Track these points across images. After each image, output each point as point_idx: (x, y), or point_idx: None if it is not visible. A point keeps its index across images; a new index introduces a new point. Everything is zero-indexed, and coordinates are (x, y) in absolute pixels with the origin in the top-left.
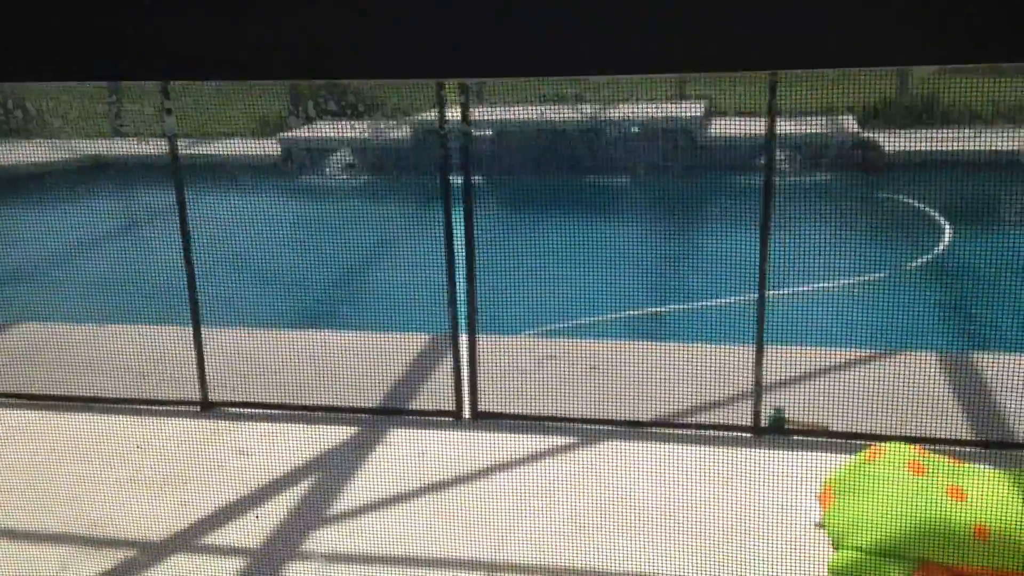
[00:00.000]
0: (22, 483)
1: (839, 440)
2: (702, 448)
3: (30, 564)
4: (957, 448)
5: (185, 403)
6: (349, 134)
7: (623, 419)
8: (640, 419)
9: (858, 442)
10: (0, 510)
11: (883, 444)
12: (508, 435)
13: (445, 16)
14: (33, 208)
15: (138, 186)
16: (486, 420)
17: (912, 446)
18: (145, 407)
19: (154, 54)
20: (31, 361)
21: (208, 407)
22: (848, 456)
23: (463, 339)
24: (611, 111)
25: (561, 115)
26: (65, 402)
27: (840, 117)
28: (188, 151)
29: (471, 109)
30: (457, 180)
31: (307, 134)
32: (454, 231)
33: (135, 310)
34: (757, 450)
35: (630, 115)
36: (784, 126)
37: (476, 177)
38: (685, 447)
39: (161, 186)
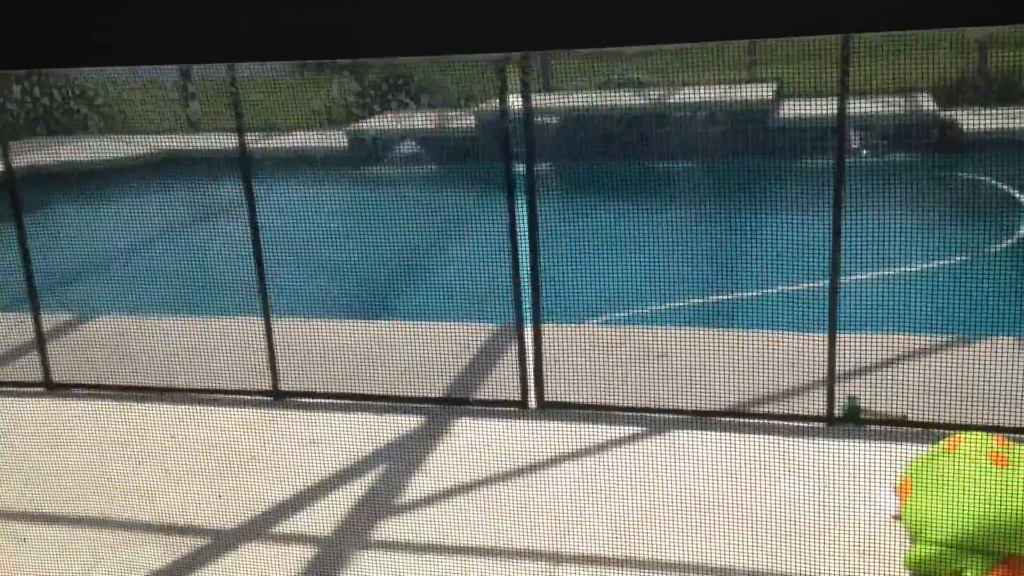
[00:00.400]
0: (98, 471)
1: (916, 429)
2: (774, 438)
3: (107, 550)
4: None
5: (257, 392)
6: (415, 124)
7: (691, 408)
8: (709, 408)
9: (937, 431)
10: (79, 498)
11: (962, 434)
12: (574, 424)
13: None
14: (108, 203)
15: (209, 179)
16: (552, 410)
17: (993, 436)
18: (218, 396)
19: (195, 35)
20: (107, 353)
21: (279, 396)
22: (926, 446)
23: (528, 328)
24: (678, 94)
25: (626, 100)
26: (140, 392)
27: (917, 95)
28: (258, 144)
29: (534, 96)
30: (521, 168)
31: (374, 125)
32: (518, 220)
33: (207, 302)
34: (831, 440)
35: (697, 98)
36: (857, 106)
37: (540, 165)
38: (756, 437)
39: (231, 179)
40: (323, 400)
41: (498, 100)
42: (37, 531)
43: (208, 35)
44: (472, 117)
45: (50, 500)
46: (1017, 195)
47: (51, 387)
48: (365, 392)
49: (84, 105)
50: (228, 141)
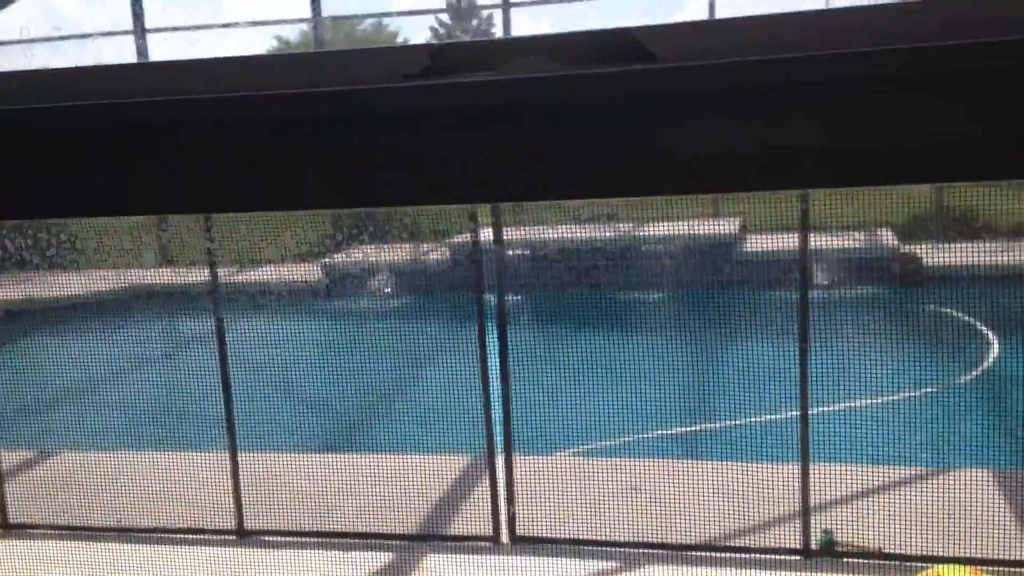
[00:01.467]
0: None
1: (893, 563)
2: (750, 572)
3: None
4: (1015, 570)
5: (221, 532)
6: (389, 257)
7: (666, 542)
8: (685, 542)
9: (913, 564)
10: None
11: (939, 567)
12: (548, 559)
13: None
14: (74, 338)
15: (181, 314)
16: (525, 544)
17: (969, 568)
18: (181, 536)
19: (193, 190)
20: (67, 490)
21: (244, 535)
22: None
23: (499, 460)
24: (646, 228)
25: (596, 233)
26: (100, 532)
27: (878, 230)
28: (231, 279)
29: (506, 229)
30: (491, 299)
31: (348, 258)
32: (488, 351)
33: (173, 437)
34: (808, 574)
35: (666, 231)
36: (819, 241)
37: (511, 296)
38: (732, 571)
39: (203, 314)
40: (289, 538)
41: (470, 233)
42: None
43: (183, 189)
44: (446, 250)
45: None
46: (981, 327)
47: (8, 527)
48: (332, 530)
49: (51, 243)
50: (199, 276)
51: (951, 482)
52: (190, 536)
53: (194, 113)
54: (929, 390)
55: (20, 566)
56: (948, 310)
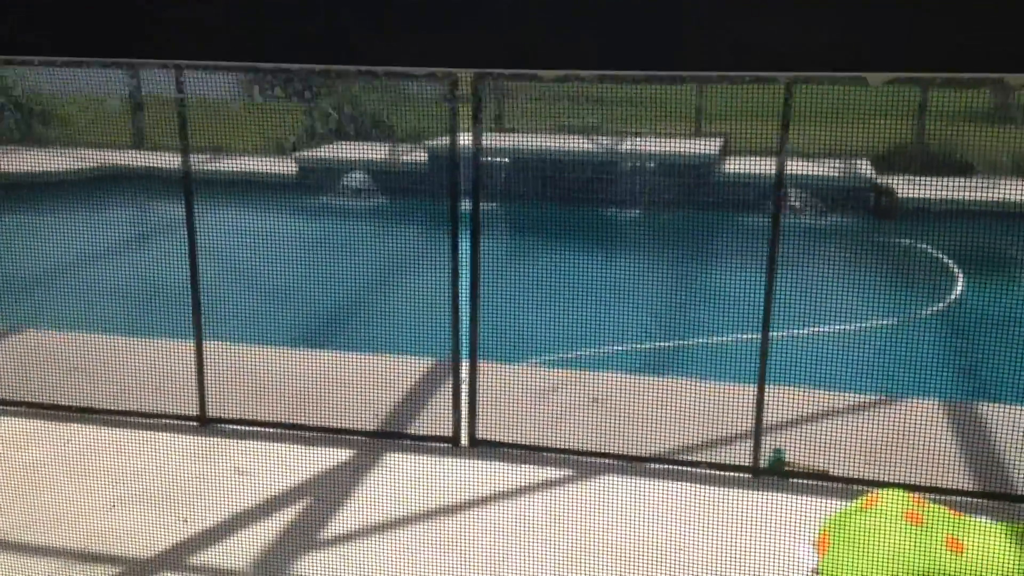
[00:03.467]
0: (13, 493)
1: (838, 485)
2: (700, 487)
3: None
4: (956, 498)
5: (183, 417)
6: (365, 155)
7: (621, 453)
8: (639, 454)
9: (857, 488)
10: None
11: (881, 491)
12: (505, 464)
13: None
14: (45, 216)
15: (152, 198)
16: (483, 448)
17: (910, 495)
18: (143, 420)
19: (166, 36)
20: (31, 369)
21: (205, 422)
22: (846, 502)
23: (464, 365)
24: (627, 143)
25: (577, 144)
26: (62, 411)
27: (856, 160)
28: (204, 167)
29: (485, 135)
30: (467, 206)
31: (323, 154)
32: (461, 256)
33: (141, 322)
34: (755, 492)
35: (646, 148)
36: (797, 167)
37: (487, 204)
38: (683, 485)
39: (174, 199)
40: (251, 428)
41: (448, 136)
42: None
43: (172, 33)
44: (424, 152)
45: None
46: (948, 262)
47: None
48: (294, 422)
49: (21, 112)
50: (172, 160)
51: (900, 411)
52: (152, 420)
53: None
54: (890, 321)
55: None
56: (918, 244)
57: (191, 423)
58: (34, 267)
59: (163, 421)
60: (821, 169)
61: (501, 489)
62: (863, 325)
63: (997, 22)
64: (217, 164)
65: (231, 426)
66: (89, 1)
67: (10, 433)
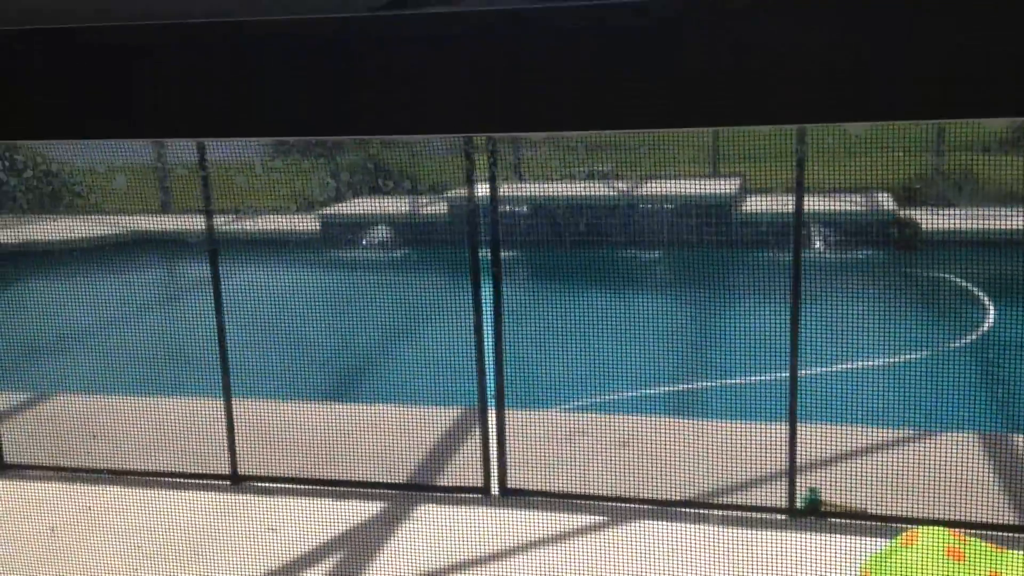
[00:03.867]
0: (51, 557)
1: (876, 523)
2: (735, 530)
3: None
4: (997, 533)
5: (215, 476)
6: (387, 209)
7: (654, 498)
8: (672, 499)
9: (895, 525)
10: None
11: (920, 528)
12: (537, 512)
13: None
14: (73, 280)
15: (178, 261)
16: (514, 497)
17: (950, 531)
18: (176, 480)
19: (162, 113)
20: (64, 433)
21: (237, 480)
22: (885, 540)
23: (491, 413)
24: (645, 188)
25: (595, 191)
26: (94, 474)
27: (876, 194)
28: (228, 226)
29: (503, 184)
30: (487, 254)
31: (345, 210)
32: (483, 305)
33: (169, 382)
34: (792, 533)
35: (664, 191)
36: (817, 203)
37: (508, 251)
38: (718, 528)
39: (200, 260)
40: (282, 485)
41: (467, 188)
42: None
43: (187, 111)
44: (444, 204)
45: None
46: (978, 293)
47: (3, 468)
48: (325, 477)
49: (55, 183)
50: (197, 223)
51: (937, 445)
52: (185, 481)
53: (178, 36)
54: (921, 354)
55: (14, 507)
56: (945, 275)
57: (223, 482)
58: (64, 331)
59: (197, 481)
60: (841, 204)
61: (534, 538)
62: (894, 359)
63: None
64: (242, 224)
65: (263, 483)
66: (113, 84)
67: (41, 496)
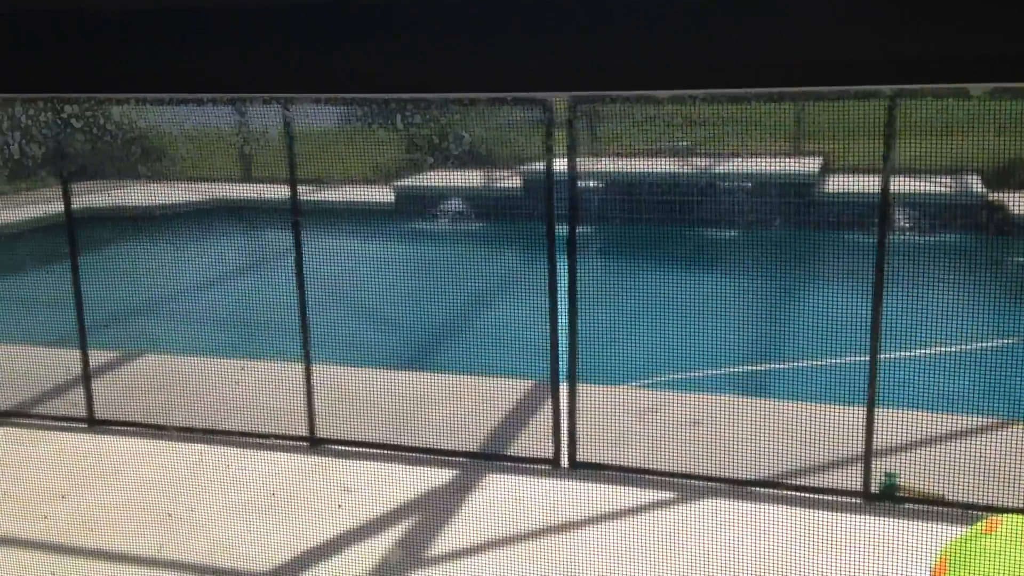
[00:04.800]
0: (137, 509)
1: (954, 510)
2: (808, 511)
3: None
4: None
5: (294, 438)
6: (461, 181)
7: (725, 476)
8: (743, 478)
9: (974, 512)
10: (116, 535)
11: (1001, 516)
12: (606, 486)
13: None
14: (162, 246)
15: (261, 228)
16: (584, 469)
17: None
18: (257, 440)
19: (219, 70)
20: (152, 391)
21: (316, 443)
22: (964, 527)
23: (563, 387)
24: (725, 164)
25: (673, 167)
26: (177, 432)
27: (965, 176)
28: (308, 196)
29: (580, 159)
30: (563, 229)
31: (420, 182)
32: (558, 280)
33: (251, 345)
34: (867, 516)
35: (744, 168)
36: (902, 183)
37: (583, 226)
38: (790, 509)
39: (281, 228)
40: (357, 448)
41: (544, 162)
42: (74, 565)
43: (260, 70)
44: (519, 177)
45: (85, 535)
46: None
47: (93, 423)
48: (399, 443)
49: (139, 149)
50: (279, 192)
51: (1018, 433)
52: (264, 441)
53: None
54: (1006, 341)
55: (103, 460)
56: None
57: (301, 443)
58: (153, 294)
59: (277, 442)
60: (929, 186)
61: (603, 511)
62: (977, 345)
63: None
64: (321, 194)
65: (339, 446)
66: (193, 38)
67: (133, 451)
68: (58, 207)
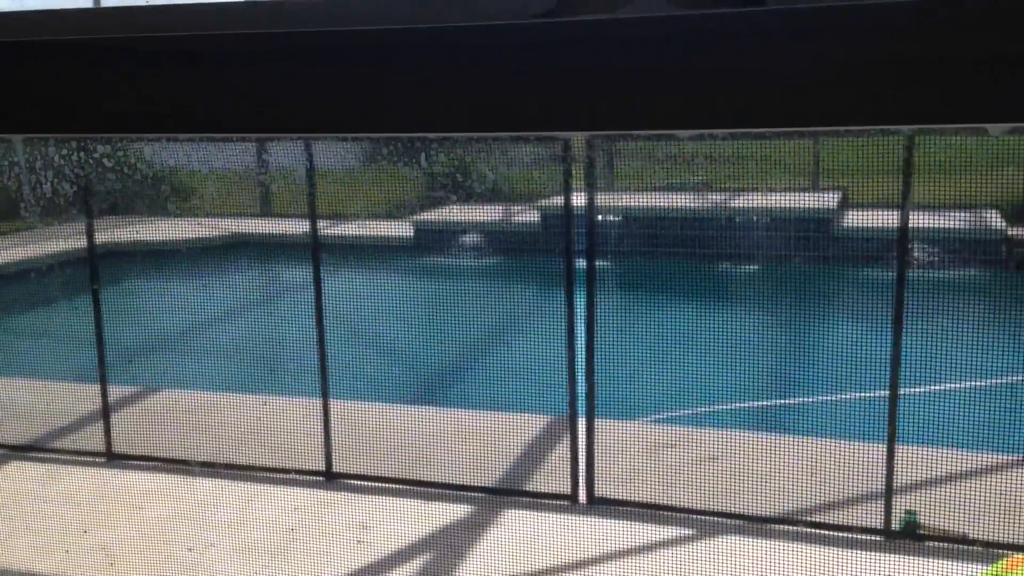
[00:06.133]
0: (146, 543)
1: (976, 548)
2: (827, 549)
3: None
4: None
5: (310, 472)
6: (478, 217)
7: (743, 513)
8: (761, 514)
9: (995, 552)
10: (124, 568)
11: (1022, 555)
12: (624, 523)
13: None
14: (181, 281)
15: (276, 262)
16: (602, 506)
17: None
18: (273, 476)
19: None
20: (167, 425)
21: (331, 477)
22: (984, 566)
23: (581, 422)
24: (741, 198)
25: (690, 202)
26: (196, 467)
27: (984, 212)
28: (325, 231)
29: (597, 194)
30: (581, 264)
31: (438, 216)
32: (576, 315)
33: (268, 381)
34: (887, 555)
35: (761, 203)
36: (921, 219)
37: (601, 261)
38: (809, 547)
39: (299, 263)
40: (374, 483)
41: (562, 196)
42: None
43: (275, 110)
44: (536, 212)
45: (106, 570)
46: None
47: (111, 457)
48: (415, 478)
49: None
50: (297, 226)
51: None
52: (280, 476)
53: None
54: None
55: (120, 494)
56: None
57: (318, 478)
58: (170, 329)
59: (291, 477)
60: (946, 221)
61: (621, 548)
62: (997, 382)
63: None
64: (335, 230)
65: (355, 481)
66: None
67: (148, 486)
68: (81, 243)
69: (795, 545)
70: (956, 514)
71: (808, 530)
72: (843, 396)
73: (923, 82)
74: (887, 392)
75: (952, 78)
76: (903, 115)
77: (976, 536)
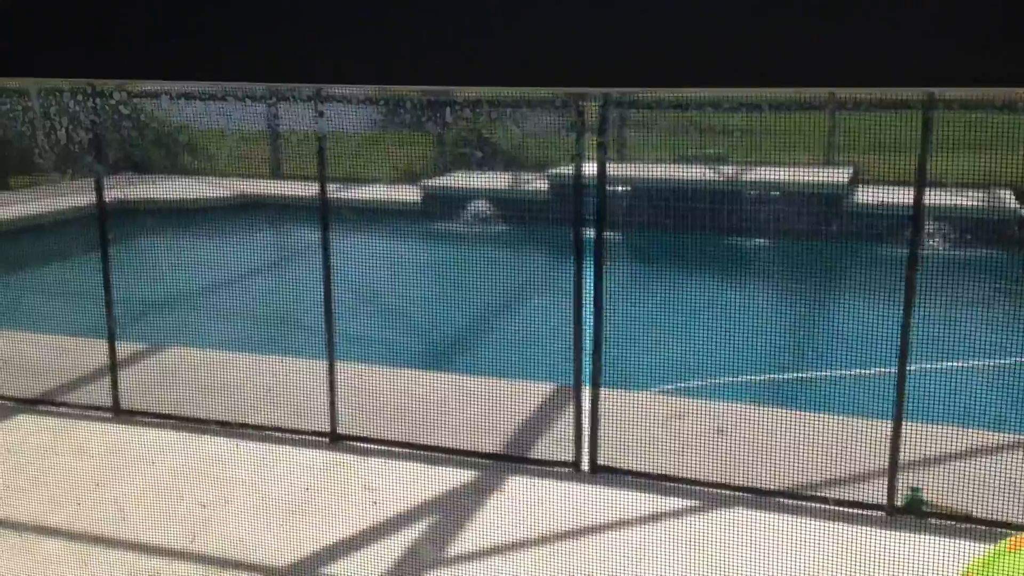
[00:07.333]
0: (154, 499)
1: (979, 527)
2: (831, 524)
3: None
4: None
5: (315, 433)
6: (487, 183)
7: (747, 486)
8: (765, 488)
9: (1000, 530)
10: (133, 524)
11: None
12: (626, 491)
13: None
14: (191, 240)
15: (287, 224)
16: (604, 474)
17: None
18: (278, 434)
19: (265, 57)
20: (176, 383)
21: (336, 439)
22: (989, 545)
23: (586, 391)
24: (753, 172)
25: (701, 174)
26: (202, 424)
27: (997, 191)
28: (335, 195)
29: (608, 164)
30: (590, 233)
31: (447, 183)
32: (584, 283)
33: (275, 341)
34: (890, 531)
35: (772, 178)
36: (933, 197)
37: (610, 232)
38: (812, 521)
39: (308, 225)
40: (378, 446)
41: (572, 165)
42: (96, 553)
43: (289, 58)
44: (546, 180)
45: (118, 524)
46: None
47: (118, 413)
48: (420, 442)
49: (171, 144)
50: (307, 189)
51: None
52: (286, 436)
53: None
54: None
55: (127, 449)
56: None
57: (323, 439)
58: (181, 287)
59: (298, 437)
60: (960, 200)
61: (622, 516)
62: (1009, 360)
63: None
64: (346, 193)
65: (360, 444)
66: (230, 26)
67: (155, 441)
68: (91, 198)
69: (799, 519)
70: (961, 492)
71: (812, 504)
72: (852, 372)
73: (942, 45)
74: (895, 369)
75: (972, 41)
76: (919, 78)
77: (980, 515)
